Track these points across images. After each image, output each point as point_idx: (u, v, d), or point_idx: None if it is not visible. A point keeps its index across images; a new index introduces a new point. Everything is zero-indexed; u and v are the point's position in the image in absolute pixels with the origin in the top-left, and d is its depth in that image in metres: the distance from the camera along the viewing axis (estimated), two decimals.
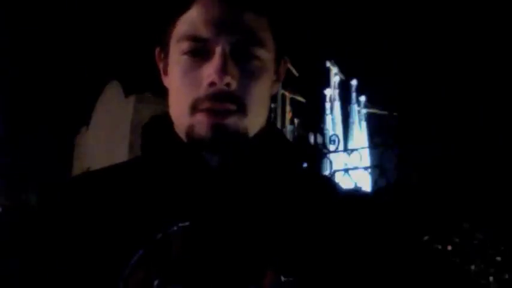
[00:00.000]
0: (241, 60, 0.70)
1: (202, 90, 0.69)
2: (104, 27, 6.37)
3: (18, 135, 6.68)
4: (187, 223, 0.65)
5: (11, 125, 6.58)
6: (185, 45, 0.71)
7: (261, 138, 0.74)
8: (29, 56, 6.52)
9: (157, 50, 0.79)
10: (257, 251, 0.63)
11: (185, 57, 0.71)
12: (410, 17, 6.26)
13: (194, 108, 0.70)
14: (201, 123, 0.69)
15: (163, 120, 0.77)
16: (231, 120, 0.69)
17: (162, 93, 0.79)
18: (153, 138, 0.77)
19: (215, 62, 0.68)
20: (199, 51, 0.70)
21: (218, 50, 0.69)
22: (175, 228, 0.65)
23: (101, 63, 6.43)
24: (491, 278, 3.54)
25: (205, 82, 0.69)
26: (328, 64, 7.08)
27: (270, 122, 0.78)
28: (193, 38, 0.70)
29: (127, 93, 5.80)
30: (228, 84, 0.68)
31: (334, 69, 7.12)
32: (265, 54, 0.72)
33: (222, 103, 0.69)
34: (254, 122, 0.73)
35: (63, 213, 0.70)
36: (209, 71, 0.69)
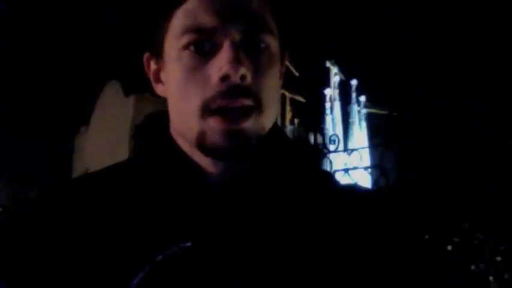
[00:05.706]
0: (252, 51, 0.62)
1: (213, 87, 0.60)
2: (104, 27, 6.37)
3: (18, 135, 6.69)
4: (188, 244, 0.59)
5: (11, 125, 6.59)
6: (187, 39, 0.61)
7: (267, 144, 0.66)
8: (29, 56, 6.53)
9: (146, 55, 0.69)
10: (261, 276, 0.59)
11: (187, 52, 0.61)
12: (410, 18, 6.26)
13: (205, 111, 0.61)
14: (215, 129, 0.61)
15: (161, 121, 0.70)
16: (249, 124, 0.61)
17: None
18: (149, 146, 0.70)
19: (225, 53, 0.60)
20: (203, 45, 0.61)
21: (226, 41, 0.60)
22: (175, 249, 0.59)
23: (101, 63, 6.43)
24: (491, 278, 3.53)
25: (216, 77, 0.60)
26: (328, 64, 7.11)
27: (275, 122, 0.70)
28: (196, 30, 0.60)
29: (127, 93, 5.80)
30: (243, 77, 0.59)
31: (334, 69, 7.15)
32: (274, 44, 0.64)
33: (238, 99, 0.60)
34: (268, 120, 0.65)
35: (55, 227, 0.64)
36: (220, 63, 0.60)
